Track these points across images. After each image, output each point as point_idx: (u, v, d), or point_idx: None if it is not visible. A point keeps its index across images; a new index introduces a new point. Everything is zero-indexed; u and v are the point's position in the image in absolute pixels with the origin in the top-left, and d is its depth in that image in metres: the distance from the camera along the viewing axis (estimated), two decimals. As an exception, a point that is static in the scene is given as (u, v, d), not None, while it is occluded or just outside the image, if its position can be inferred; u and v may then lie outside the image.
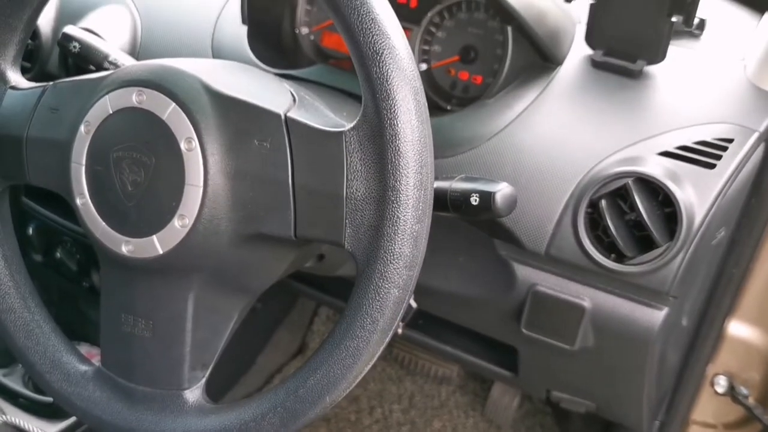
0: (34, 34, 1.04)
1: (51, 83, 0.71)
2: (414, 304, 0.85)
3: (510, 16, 0.85)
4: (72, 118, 0.67)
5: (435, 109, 0.99)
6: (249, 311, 1.31)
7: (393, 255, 0.56)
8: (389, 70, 0.55)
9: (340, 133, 0.58)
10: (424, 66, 0.99)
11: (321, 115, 0.63)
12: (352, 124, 0.58)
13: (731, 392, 1.03)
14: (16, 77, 0.73)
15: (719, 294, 0.93)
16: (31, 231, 1.24)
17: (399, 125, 0.55)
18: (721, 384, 1.04)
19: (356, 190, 0.57)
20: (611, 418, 1.08)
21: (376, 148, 0.56)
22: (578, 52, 0.90)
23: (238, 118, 0.61)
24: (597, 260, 0.79)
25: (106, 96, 0.64)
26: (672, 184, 0.76)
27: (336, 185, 0.58)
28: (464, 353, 1.08)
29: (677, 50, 0.89)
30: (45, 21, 1.03)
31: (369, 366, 0.59)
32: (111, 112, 0.64)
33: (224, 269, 0.65)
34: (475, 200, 0.67)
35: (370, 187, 0.57)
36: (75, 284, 1.25)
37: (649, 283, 0.79)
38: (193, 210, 0.61)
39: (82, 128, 0.65)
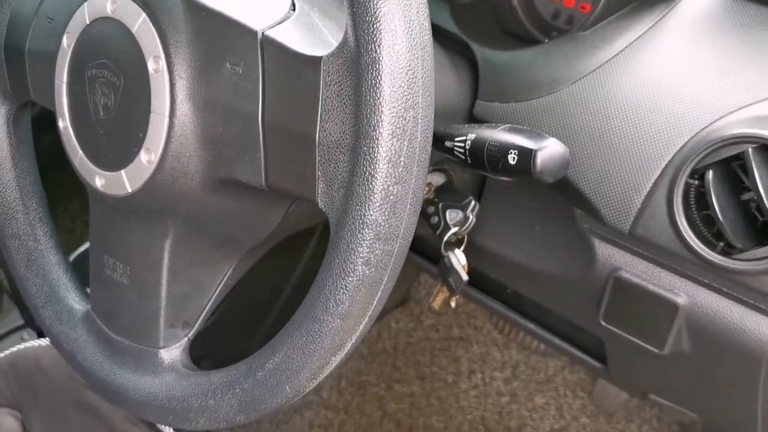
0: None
1: None
2: (465, 276, 0.71)
3: None
4: (59, 29, 0.58)
5: (532, 43, 0.82)
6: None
7: (364, 223, 0.43)
8: None
9: (318, 58, 0.45)
10: (523, -11, 0.81)
11: (315, 35, 0.50)
12: (332, 49, 0.44)
13: None
14: None
15: None
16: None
17: (378, 51, 0.41)
18: None
19: (330, 133, 0.44)
20: (721, 435, 0.88)
21: (353, 81, 0.43)
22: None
23: (212, 34, 0.50)
24: (694, 249, 0.60)
25: (86, 3, 0.55)
26: (813, 157, 0.55)
27: (309, 126, 0.45)
28: (551, 335, 0.93)
29: None
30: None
31: (338, 357, 0.47)
32: (88, 22, 0.55)
33: (202, 217, 0.55)
34: (513, 158, 0.52)
35: (345, 132, 0.44)
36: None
37: (765, 286, 0.60)
38: (158, 143, 0.51)
39: (64, 40, 0.57)
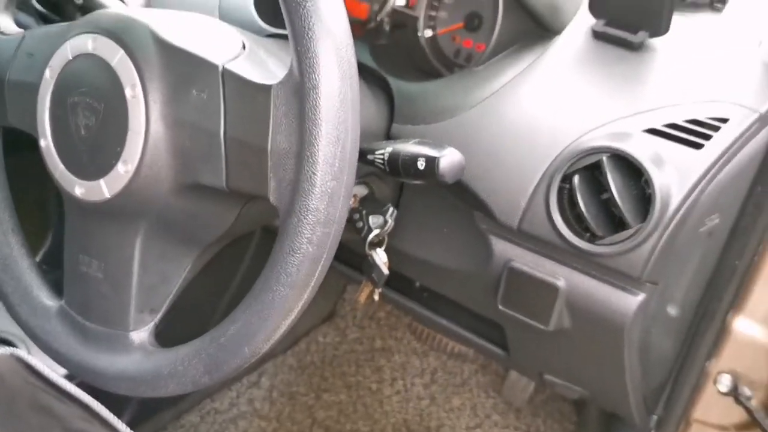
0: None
1: (30, 29, 0.74)
2: (386, 271, 0.84)
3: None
4: (41, 63, 0.69)
5: (437, 77, 0.97)
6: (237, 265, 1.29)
7: (308, 211, 0.56)
8: (311, 23, 0.54)
9: (269, 86, 0.58)
10: (429, 32, 0.97)
11: (265, 69, 0.63)
12: (280, 79, 0.57)
13: (734, 392, 0.97)
14: (5, 23, 0.77)
15: (720, 287, 0.88)
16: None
17: (317, 79, 0.54)
18: (724, 383, 0.98)
19: (280, 144, 0.57)
20: (604, 407, 1.04)
21: (298, 103, 0.56)
22: (582, 21, 0.85)
23: (180, 67, 0.62)
24: (567, 238, 0.76)
25: (68, 42, 0.67)
26: (650, 163, 0.72)
27: (262, 138, 0.58)
28: (461, 328, 1.07)
29: (688, 24, 0.83)
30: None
31: (288, 320, 0.60)
32: (71, 57, 0.66)
33: (170, 217, 0.67)
34: (421, 164, 0.66)
35: (292, 142, 0.57)
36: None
37: (621, 265, 0.75)
38: (135, 156, 0.63)
39: (47, 73, 0.68)
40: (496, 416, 1.56)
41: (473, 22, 0.93)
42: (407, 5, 0.98)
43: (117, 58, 0.63)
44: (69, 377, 1.14)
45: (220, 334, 0.62)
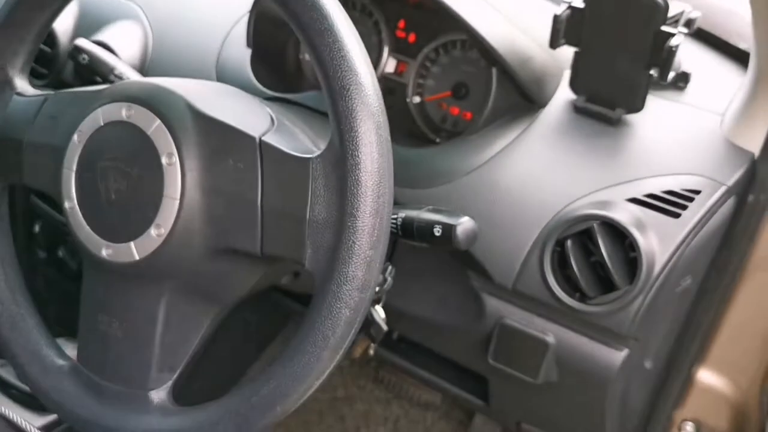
0: (53, 42, 1.10)
1: (53, 92, 0.76)
2: (385, 327, 0.88)
3: (494, 59, 0.88)
4: (67, 127, 0.71)
5: (425, 141, 1.03)
6: (243, 324, 1.35)
7: (346, 277, 0.60)
8: (354, 105, 0.59)
9: (308, 159, 0.62)
10: (417, 99, 1.03)
11: (296, 140, 0.68)
12: (319, 152, 0.62)
13: (697, 439, 1.04)
14: (23, 84, 0.78)
15: (687, 339, 0.95)
16: (37, 228, 1.29)
17: (360, 156, 0.59)
18: (688, 430, 1.05)
19: (318, 213, 0.61)
20: (578, 456, 1.09)
21: (338, 176, 0.60)
22: (563, 95, 0.93)
23: (216, 138, 0.65)
24: (560, 298, 0.82)
25: (99, 109, 0.69)
26: (635, 230, 0.79)
27: (300, 208, 0.62)
28: (440, 379, 1.11)
29: (659, 101, 0.92)
30: (63, 31, 1.09)
31: (319, 380, 0.63)
32: (102, 124, 0.69)
33: (196, 279, 0.69)
34: (437, 231, 0.71)
35: (331, 212, 0.61)
36: (75, 282, 1.30)
37: (610, 323, 0.82)
38: (168, 220, 0.65)
39: (75, 137, 0.70)
40: (459, 464, 1.60)
41: (460, 91, 1.00)
42: (396, 72, 1.04)
43: (153, 127, 0.66)
44: (46, 430, 1.13)
45: (252, 394, 0.64)
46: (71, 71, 1.09)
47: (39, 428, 0.96)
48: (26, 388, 1.17)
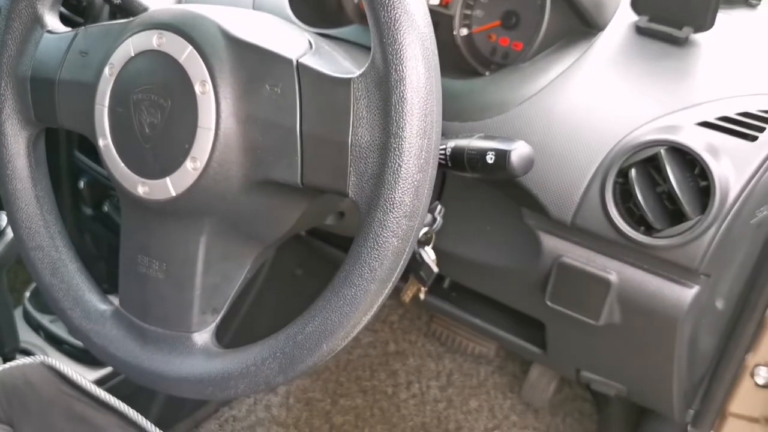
0: (87, -11, 1.07)
1: (83, 27, 0.72)
2: (435, 268, 0.84)
3: (548, -21, 0.82)
4: (98, 61, 0.68)
5: (473, 75, 0.97)
6: (291, 278, 1.32)
7: (393, 204, 0.55)
8: (397, 15, 0.54)
9: (349, 79, 0.57)
10: (465, 31, 0.97)
11: (335, 62, 0.63)
12: (360, 71, 0.57)
13: (772, 385, 0.98)
14: (53, 22, 0.75)
15: (762, 277, 0.89)
16: (82, 185, 1.28)
17: (404, 71, 0.54)
18: (762, 375, 0.99)
19: (361, 137, 0.57)
20: (642, 403, 1.04)
21: (381, 95, 0.56)
22: (623, 18, 0.86)
23: (251, 62, 0.61)
24: (623, 231, 0.76)
25: (129, 39, 0.65)
26: (708, 155, 0.72)
27: (342, 132, 0.57)
28: (494, 327, 1.06)
29: (729, 19, 0.84)
30: (96, -23, 1.06)
31: (368, 316, 0.59)
32: (133, 54, 0.65)
33: (235, 215, 0.66)
34: (490, 158, 0.66)
35: (375, 135, 0.56)
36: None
37: (679, 258, 0.76)
38: (204, 153, 0.62)
39: (106, 70, 0.67)
40: (514, 417, 1.56)
41: (510, 21, 0.93)
42: (441, 4, 0.98)
43: (185, 54, 0.62)
44: (100, 383, 1.13)
45: (297, 332, 0.61)
46: (107, 18, 1.06)
47: (92, 381, 0.95)
48: (78, 342, 1.18)
